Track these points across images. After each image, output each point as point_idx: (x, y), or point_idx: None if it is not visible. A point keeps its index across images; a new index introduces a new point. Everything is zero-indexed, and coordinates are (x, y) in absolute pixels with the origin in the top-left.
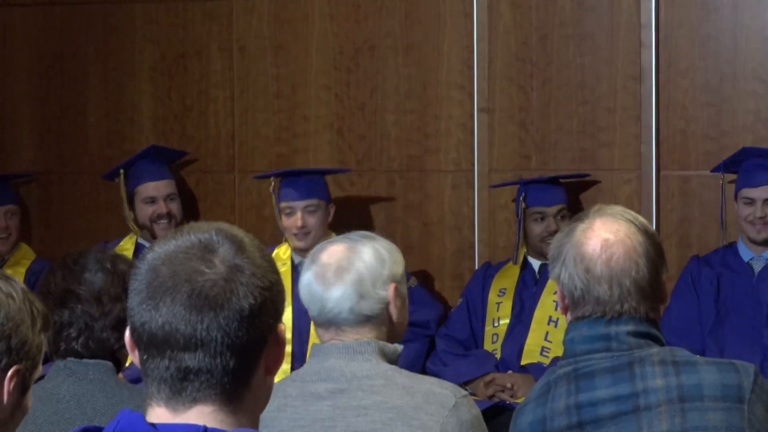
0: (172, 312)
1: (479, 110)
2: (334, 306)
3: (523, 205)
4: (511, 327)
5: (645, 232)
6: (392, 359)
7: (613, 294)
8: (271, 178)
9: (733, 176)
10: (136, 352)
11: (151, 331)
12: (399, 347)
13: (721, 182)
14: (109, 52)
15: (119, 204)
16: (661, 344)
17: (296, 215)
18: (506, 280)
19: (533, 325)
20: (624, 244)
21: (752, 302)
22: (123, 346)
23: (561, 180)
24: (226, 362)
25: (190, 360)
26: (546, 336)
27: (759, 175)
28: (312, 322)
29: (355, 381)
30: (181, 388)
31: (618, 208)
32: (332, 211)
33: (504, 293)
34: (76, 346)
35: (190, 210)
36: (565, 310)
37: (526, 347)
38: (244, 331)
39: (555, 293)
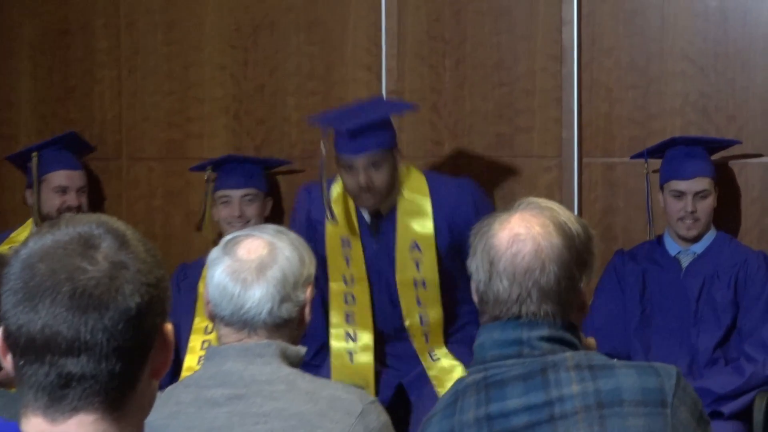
0: (52, 314)
1: (388, 92)
2: (253, 307)
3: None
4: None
5: (565, 233)
6: (295, 362)
7: (512, 293)
8: (208, 168)
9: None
10: (9, 357)
11: (29, 335)
12: (302, 349)
13: (645, 171)
14: None
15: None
16: (576, 349)
17: (233, 204)
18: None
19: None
20: (534, 242)
21: (679, 299)
22: None
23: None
24: (112, 366)
25: (73, 365)
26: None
27: (689, 165)
28: (213, 321)
29: (254, 386)
30: (62, 395)
31: (550, 204)
32: (269, 204)
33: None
34: None
35: None
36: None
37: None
38: (131, 333)
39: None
